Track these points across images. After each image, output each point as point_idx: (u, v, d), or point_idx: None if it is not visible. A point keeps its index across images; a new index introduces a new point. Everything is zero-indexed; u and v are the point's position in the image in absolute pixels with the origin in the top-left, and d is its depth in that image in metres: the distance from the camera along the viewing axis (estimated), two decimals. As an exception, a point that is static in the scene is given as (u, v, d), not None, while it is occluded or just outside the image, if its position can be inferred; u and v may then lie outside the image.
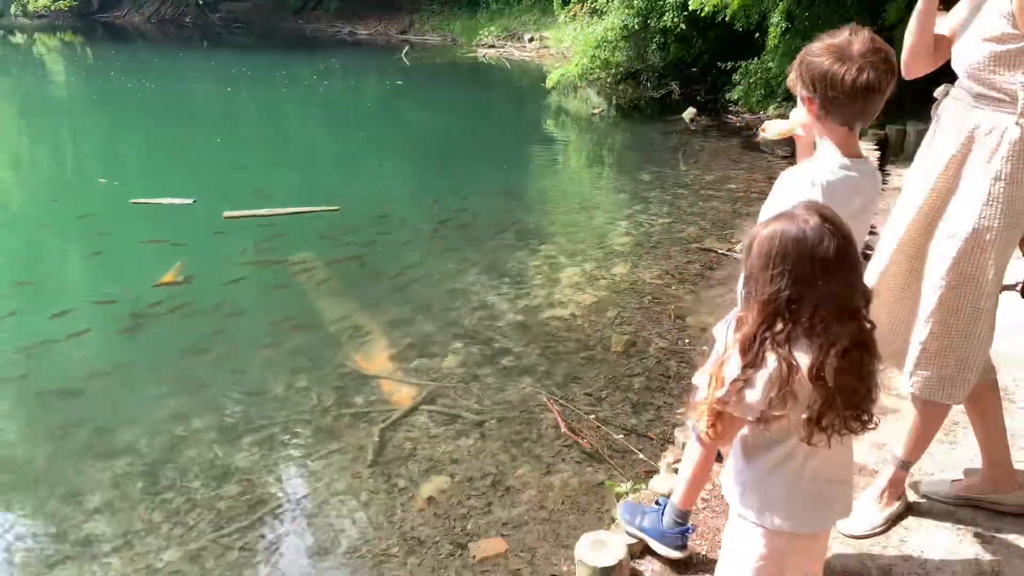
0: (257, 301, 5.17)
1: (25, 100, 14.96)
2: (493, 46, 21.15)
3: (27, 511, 3.23)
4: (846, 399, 1.42)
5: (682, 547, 2.26)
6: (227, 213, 6.72)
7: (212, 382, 4.13)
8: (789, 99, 9.94)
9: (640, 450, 3.38)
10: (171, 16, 31.86)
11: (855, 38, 1.79)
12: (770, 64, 9.75)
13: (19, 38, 26.37)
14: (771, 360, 1.42)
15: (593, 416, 3.65)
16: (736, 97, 10.54)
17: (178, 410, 3.87)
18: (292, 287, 5.41)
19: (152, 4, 32.68)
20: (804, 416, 1.44)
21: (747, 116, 10.59)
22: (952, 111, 2.11)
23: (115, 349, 4.60)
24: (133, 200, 7.20)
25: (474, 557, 2.78)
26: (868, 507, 2.38)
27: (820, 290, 1.39)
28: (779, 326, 1.42)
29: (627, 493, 2.86)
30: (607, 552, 2.04)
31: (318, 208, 6.93)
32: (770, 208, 1.79)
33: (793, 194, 1.75)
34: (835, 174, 1.81)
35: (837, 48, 1.79)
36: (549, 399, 3.80)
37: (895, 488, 2.40)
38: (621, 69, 13.33)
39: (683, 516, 2.25)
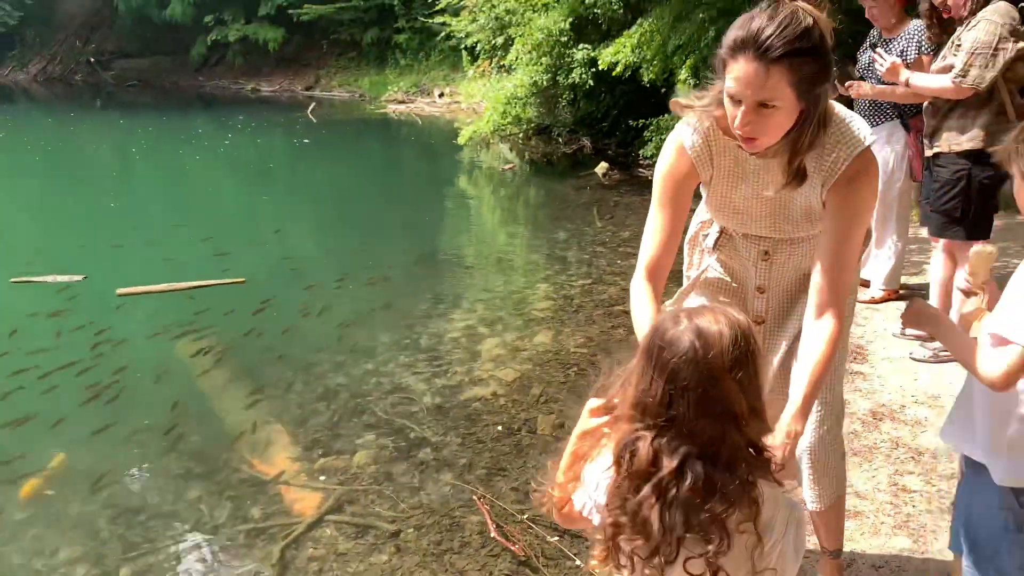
0: (149, 389, 4.63)
1: None
2: (403, 102, 21.01)
3: None
4: None
5: None
6: (120, 290, 6.14)
7: (84, 507, 3.58)
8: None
9: (575, 554, 3.04)
10: (60, 74, 30.42)
11: None
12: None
13: None
14: None
15: (525, 516, 3.29)
16: (649, 153, 10.58)
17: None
18: (184, 372, 4.89)
19: (39, 62, 31.16)
20: None
21: (659, 170, 10.63)
22: None
23: None
24: (13, 279, 6.52)
25: None
26: None
27: None
28: None
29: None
30: None
31: (221, 281, 6.41)
32: None
33: None
34: None
35: None
36: (478, 498, 3.42)
37: None
38: (532, 124, 13.35)
39: None
